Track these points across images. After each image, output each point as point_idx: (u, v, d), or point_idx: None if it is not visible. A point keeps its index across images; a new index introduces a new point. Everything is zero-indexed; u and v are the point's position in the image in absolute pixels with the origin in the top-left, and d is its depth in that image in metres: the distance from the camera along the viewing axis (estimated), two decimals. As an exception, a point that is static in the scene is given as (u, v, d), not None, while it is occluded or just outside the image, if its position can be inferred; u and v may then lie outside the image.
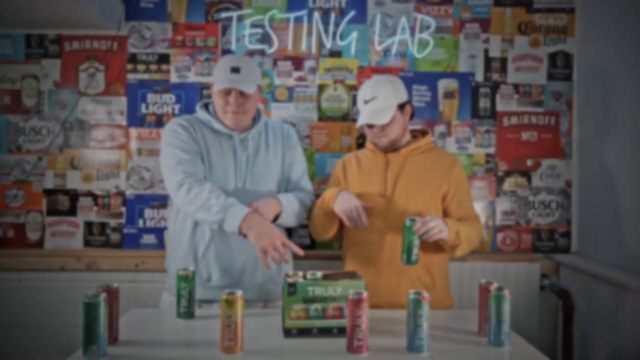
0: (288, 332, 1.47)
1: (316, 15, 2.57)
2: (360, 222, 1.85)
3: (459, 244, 1.85)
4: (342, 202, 1.87)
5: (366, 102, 1.94)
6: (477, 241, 1.96)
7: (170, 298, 1.91)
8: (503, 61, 2.60)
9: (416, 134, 2.09)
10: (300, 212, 1.99)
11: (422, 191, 1.93)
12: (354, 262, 1.97)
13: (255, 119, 2.03)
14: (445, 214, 1.97)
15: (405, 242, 1.74)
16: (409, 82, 2.57)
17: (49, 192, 2.57)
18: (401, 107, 1.96)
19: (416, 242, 1.74)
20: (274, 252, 1.72)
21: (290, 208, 1.94)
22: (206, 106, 2.03)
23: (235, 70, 1.88)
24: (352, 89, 2.58)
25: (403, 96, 1.98)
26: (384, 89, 1.93)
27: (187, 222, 1.92)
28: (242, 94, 1.90)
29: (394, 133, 1.96)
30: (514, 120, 2.60)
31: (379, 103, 1.92)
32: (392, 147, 1.99)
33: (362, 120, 1.94)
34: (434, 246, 1.90)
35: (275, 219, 1.91)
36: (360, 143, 2.57)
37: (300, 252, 1.77)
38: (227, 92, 1.90)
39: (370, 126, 1.97)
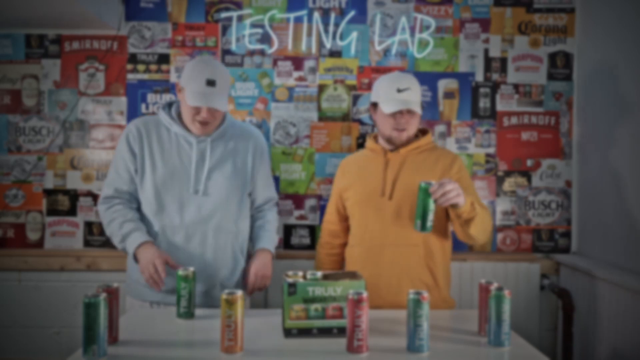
0: (288, 332, 1.47)
1: (316, 15, 2.57)
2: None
3: (474, 216, 1.76)
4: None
5: (400, 90, 1.91)
6: (490, 226, 1.89)
7: (131, 301, 1.94)
8: (503, 61, 2.60)
9: (417, 133, 2.06)
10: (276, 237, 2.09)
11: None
12: (355, 263, 1.97)
13: (219, 124, 1.97)
14: (449, 213, 1.93)
15: (419, 206, 1.67)
16: (409, 82, 2.57)
17: (49, 192, 2.57)
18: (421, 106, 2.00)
19: (432, 206, 1.66)
20: (151, 271, 1.75)
21: (274, 244, 2.05)
22: (169, 106, 1.98)
23: (210, 83, 1.81)
24: (352, 89, 2.58)
25: (421, 98, 2.02)
26: (415, 84, 1.95)
27: None
28: (211, 110, 1.85)
29: (414, 129, 1.97)
30: (514, 120, 2.60)
31: (412, 95, 1.93)
32: (402, 145, 1.97)
33: (397, 107, 1.89)
34: (438, 246, 1.91)
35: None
36: (360, 143, 2.57)
37: (177, 267, 1.77)
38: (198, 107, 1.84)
39: (397, 117, 1.92)
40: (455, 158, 1.99)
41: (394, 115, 1.92)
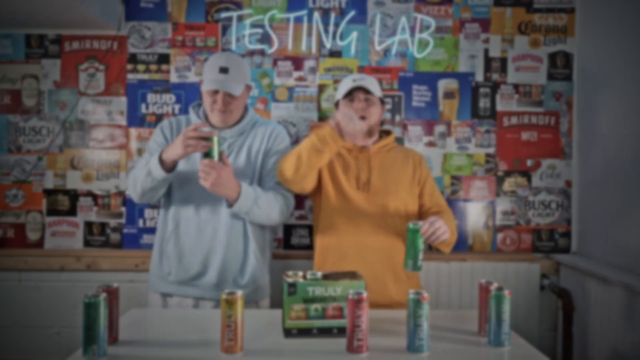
0: (288, 332, 1.47)
1: (316, 15, 2.57)
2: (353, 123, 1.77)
3: (454, 240, 1.94)
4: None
5: (355, 80, 2.05)
6: (456, 227, 2.02)
7: (156, 296, 2.00)
8: (503, 61, 2.60)
9: (381, 134, 2.17)
10: (266, 206, 1.89)
11: (399, 186, 2.03)
12: (333, 258, 1.99)
13: (242, 117, 2.06)
14: (420, 207, 2.07)
15: (410, 248, 1.67)
16: (409, 82, 2.58)
17: (49, 192, 2.57)
18: (381, 101, 2.10)
19: (422, 246, 1.68)
20: (191, 133, 1.75)
21: (252, 194, 1.86)
22: (199, 107, 2.10)
23: (223, 70, 1.91)
24: (352, 89, 2.58)
25: (381, 93, 2.12)
26: (370, 78, 2.10)
27: (159, 220, 2.05)
28: (229, 94, 1.94)
29: (374, 118, 2.05)
30: (514, 120, 2.60)
31: (366, 82, 2.05)
32: (363, 141, 1.97)
33: (352, 85, 2.02)
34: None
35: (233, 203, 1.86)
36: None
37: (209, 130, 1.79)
38: (214, 92, 1.94)
39: (357, 100, 2.03)
40: (421, 157, 2.15)
41: (351, 101, 2.03)
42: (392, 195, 2.00)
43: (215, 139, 1.77)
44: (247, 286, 1.96)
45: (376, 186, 2.01)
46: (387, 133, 2.19)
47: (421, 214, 2.06)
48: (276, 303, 2.48)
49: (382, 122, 2.17)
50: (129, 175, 2.00)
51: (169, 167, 1.85)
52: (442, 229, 1.74)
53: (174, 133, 2.04)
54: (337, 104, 2.13)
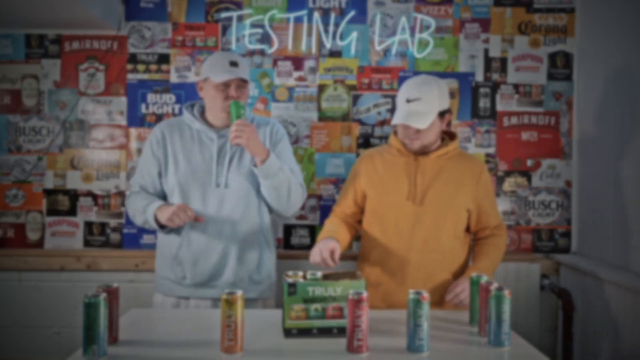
0: (288, 332, 1.47)
1: (316, 15, 2.57)
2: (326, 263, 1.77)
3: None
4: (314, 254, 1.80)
5: (409, 101, 1.82)
6: (501, 257, 1.96)
7: (161, 297, 1.99)
8: (503, 61, 2.60)
9: (443, 137, 1.98)
10: (286, 184, 1.92)
11: (454, 201, 1.88)
12: (375, 267, 1.90)
13: None
14: (471, 221, 1.94)
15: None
16: (409, 82, 2.57)
17: (49, 192, 2.57)
18: (441, 114, 1.87)
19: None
20: (179, 213, 1.82)
21: (278, 163, 1.91)
22: (192, 107, 2.06)
23: (234, 64, 1.92)
24: (352, 89, 2.58)
25: (446, 103, 1.87)
26: (430, 92, 1.83)
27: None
28: (239, 86, 1.94)
29: (428, 139, 1.87)
30: (514, 120, 2.60)
31: (422, 106, 1.81)
32: (422, 151, 1.90)
33: (399, 119, 1.82)
34: (462, 254, 1.92)
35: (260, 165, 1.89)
36: (360, 143, 2.57)
37: (201, 219, 1.88)
38: (226, 85, 1.93)
39: (405, 126, 1.86)
40: (482, 168, 1.95)
41: (403, 124, 1.85)
42: (444, 211, 1.86)
43: (241, 103, 1.87)
44: (262, 282, 1.97)
45: (430, 200, 1.86)
46: (452, 137, 1.97)
47: (475, 232, 1.97)
48: (276, 303, 2.48)
49: (449, 123, 1.98)
50: (128, 198, 2.03)
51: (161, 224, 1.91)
52: (464, 294, 1.77)
53: (168, 143, 1.98)
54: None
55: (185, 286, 1.94)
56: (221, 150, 1.96)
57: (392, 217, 1.88)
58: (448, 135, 1.99)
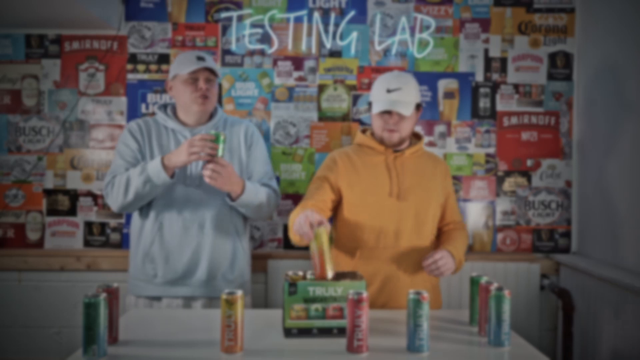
0: (288, 332, 1.47)
1: (316, 15, 2.57)
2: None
3: (460, 267, 1.89)
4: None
5: (389, 90, 1.87)
6: (467, 246, 1.99)
7: (133, 299, 1.99)
8: (503, 61, 2.60)
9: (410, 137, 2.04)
10: (262, 204, 1.96)
11: (432, 196, 1.94)
12: (359, 263, 1.89)
13: (212, 115, 2.07)
14: (440, 220, 2.01)
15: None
16: (409, 82, 2.58)
17: (49, 192, 2.57)
18: (417, 107, 1.94)
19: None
20: (198, 142, 1.78)
21: (253, 189, 1.93)
22: (165, 107, 2.08)
23: (201, 58, 1.96)
24: (352, 89, 2.58)
25: (419, 97, 1.95)
26: (409, 83, 1.90)
27: (135, 224, 2.01)
28: (207, 80, 1.96)
29: (406, 131, 1.92)
30: (514, 120, 2.60)
31: (404, 95, 1.87)
32: (395, 147, 1.95)
33: (382, 107, 1.86)
34: (433, 248, 1.94)
35: (237, 198, 1.91)
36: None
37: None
38: (194, 79, 1.95)
39: (384, 117, 1.89)
40: (447, 166, 2.07)
41: (383, 115, 1.90)
42: (424, 205, 1.91)
43: (222, 137, 1.81)
44: (234, 281, 1.99)
45: (409, 194, 1.90)
46: (418, 137, 2.05)
47: (439, 228, 2.01)
48: (276, 303, 2.48)
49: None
50: (110, 182, 1.93)
51: (171, 173, 1.87)
52: (446, 267, 1.77)
53: (145, 136, 2.00)
54: (370, 104, 1.96)
55: (156, 285, 1.95)
56: None
57: (374, 215, 1.88)
58: (414, 136, 2.06)
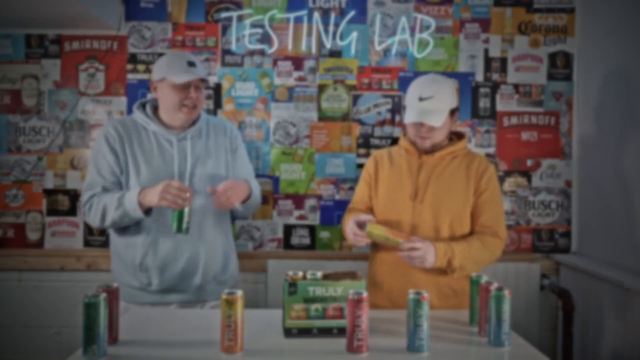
0: (288, 332, 1.47)
1: (316, 15, 2.57)
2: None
3: (454, 270, 1.78)
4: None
5: (422, 99, 1.83)
6: (488, 259, 1.83)
7: (123, 305, 1.87)
8: (503, 61, 2.60)
9: (452, 137, 1.98)
10: (259, 200, 2.08)
11: (452, 198, 1.85)
12: (381, 267, 1.90)
13: (196, 119, 1.98)
14: (472, 221, 1.90)
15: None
16: (409, 82, 2.56)
17: (49, 192, 2.57)
18: (452, 112, 1.89)
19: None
20: (173, 190, 1.74)
21: (255, 187, 2.03)
22: (143, 106, 1.98)
23: (192, 64, 1.89)
24: (352, 89, 2.58)
25: (455, 101, 1.89)
26: (442, 90, 1.84)
27: (121, 234, 1.92)
28: (197, 87, 1.90)
29: (439, 137, 1.88)
30: (514, 120, 2.60)
31: (435, 104, 1.82)
32: (431, 150, 1.90)
33: (412, 118, 1.82)
34: None
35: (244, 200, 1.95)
36: (360, 143, 2.57)
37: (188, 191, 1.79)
38: (185, 87, 1.87)
39: (416, 126, 1.87)
40: (487, 168, 1.91)
41: (415, 124, 1.86)
42: (443, 209, 1.84)
43: (187, 209, 1.77)
44: (227, 282, 1.98)
45: (429, 198, 1.85)
46: (460, 137, 1.97)
47: (473, 231, 1.90)
48: (277, 303, 2.48)
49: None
50: (88, 202, 1.86)
51: (145, 209, 1.82)
52: (419, 260, 1.71)
53: (125, 142, 1.89)
54: (404, 107, 1.90)
55: (150, 292, 1.89)
56: (183, 153, 1.91)
57: (395, 215, 1.88)
58: (456, 135, 1.98)
